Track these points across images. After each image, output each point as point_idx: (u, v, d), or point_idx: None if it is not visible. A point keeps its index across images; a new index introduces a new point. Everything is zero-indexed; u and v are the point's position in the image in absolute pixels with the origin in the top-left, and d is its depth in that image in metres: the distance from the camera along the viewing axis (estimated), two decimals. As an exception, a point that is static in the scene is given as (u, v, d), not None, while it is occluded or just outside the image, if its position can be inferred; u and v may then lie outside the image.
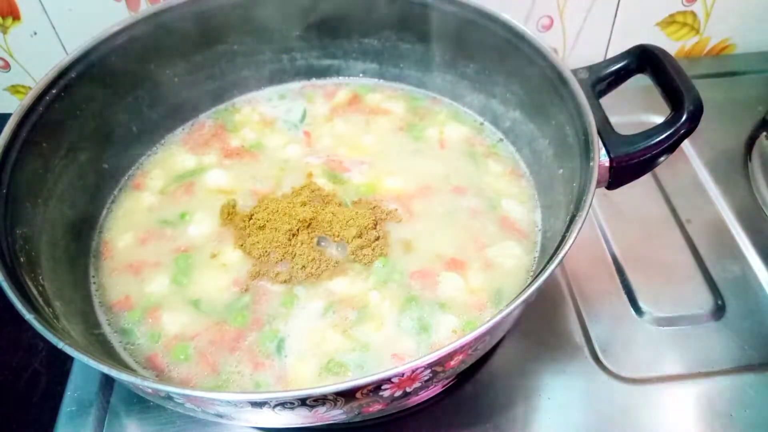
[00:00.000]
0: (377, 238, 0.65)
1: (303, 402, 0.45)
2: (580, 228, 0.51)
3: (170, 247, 0.67)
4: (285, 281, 0.62)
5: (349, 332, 0.59)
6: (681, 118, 0.56)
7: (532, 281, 0.49)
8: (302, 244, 0.64)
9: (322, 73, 0.85)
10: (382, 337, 0.59)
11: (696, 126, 0.57)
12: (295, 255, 0.64)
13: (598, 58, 0.66)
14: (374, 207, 0.68)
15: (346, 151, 0.76)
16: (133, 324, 0.61)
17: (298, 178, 0.73)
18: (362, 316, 0.60)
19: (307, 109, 0.82)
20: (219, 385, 0.57)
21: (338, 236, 0.65)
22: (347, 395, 0.45)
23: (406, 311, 0.60)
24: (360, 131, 0.79)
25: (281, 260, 0.64)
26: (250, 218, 0.67)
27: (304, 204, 0.67)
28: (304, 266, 0.63)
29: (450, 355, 0.46)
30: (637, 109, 0.90)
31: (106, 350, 0.59)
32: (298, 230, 0.65)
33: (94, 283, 0.65)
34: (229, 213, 0.69)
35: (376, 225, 0.66)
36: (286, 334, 0.59)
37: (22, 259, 0.55)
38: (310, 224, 0.66)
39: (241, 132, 0.79)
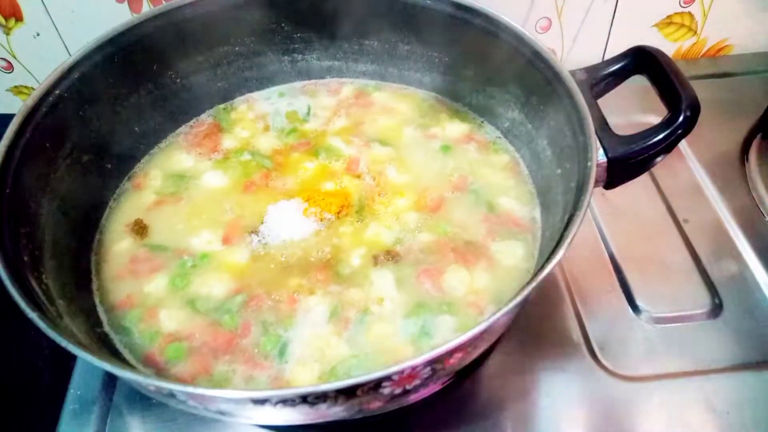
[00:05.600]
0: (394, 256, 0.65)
1: (304, 399, 0.45)
2: (578, 227, 0.51)
3: (171, 251, 0.67)
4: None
5: (353, 339, 0.59)
6: (678, 118, 0.57)
7: (531, 280, 0.49)
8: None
9: (322, 74, 0.85)
10: (384, 342, 0.59)
11: (693, 126, 0.57)
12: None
13: (596, 60, 0.66)
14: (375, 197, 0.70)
15: (347, 149, 0.76)
16: (131, 323, 0.62)
17: (298, 177, 0.74)
18: (365, 321, 0.61)
19: (311, 105, 0.82)
20: (216, 382, 0.57)
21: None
22: (348, 393, 0.45)
23: (411, 316, 0.61)
24: (361, 129, 0.79)
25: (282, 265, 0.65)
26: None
27: (306, 206, 0.68)
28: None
29: (449, 353, 0.46)
30: (634, 110, 0.90)
31: (108, 348, 0.59)
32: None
33: (96, 281, 0.66)
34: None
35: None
36: (288, 339, 0.60)
37: (25, 258, 0.56)
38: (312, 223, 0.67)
39: (241, 131, 0.80)
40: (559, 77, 0.61)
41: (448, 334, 0.59)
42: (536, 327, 0.71)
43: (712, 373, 0.67)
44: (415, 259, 0.65)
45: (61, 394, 0.67)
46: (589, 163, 0.55)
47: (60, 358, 0.71)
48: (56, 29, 0.90)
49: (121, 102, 0.72)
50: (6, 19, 0.89)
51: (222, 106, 0.83)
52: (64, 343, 0.47)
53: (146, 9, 0.90)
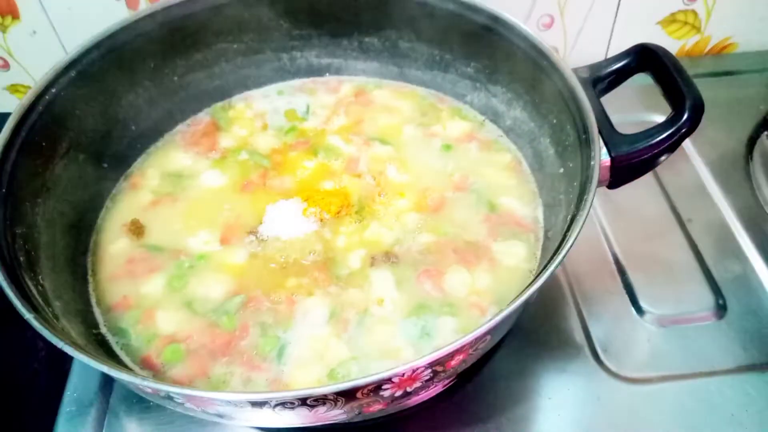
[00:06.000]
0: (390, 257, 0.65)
1: (303, 402, 0.45)
2: (581, 227, 0.51)
3: (168, 252, 0.67)
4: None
5: (353, 341, 0.59)
6: (682, 117, 0.56)
7: (533, 281, 0.49)
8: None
9: (321, 71, 0.84)
10: (384, 343, 0.59)
11: (697, 125, 0.57)
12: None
13: (598, 57, 0.66)
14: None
15: (347, 148, 0.76)
16: (128, 325, 0.61)
17: (297, 176, 0.73)
18: (365, 323, 0.60)
19: (310, 104, 0.82)
20: (214, 384, 0.57)
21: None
22: (348, 395, 0.45)
23: (412, 317, 0.60)
24: (361, 128, 0.78)
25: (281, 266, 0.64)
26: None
27: (305, 206, 0.67)
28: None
29: (450, 355, 0.46)
30: (637, 108, 0.90)
31: (105, 350, 0.59)
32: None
33: (93, 282, 0.65)
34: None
35: None
36: (287, 340, 0.59)
37: (21, 259, 0.55)
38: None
39: (239, 130, 0.79)
40: (562, 75, 0.61)
41: (450, 336, 0.59)
42: (539, 328, 0.70)
43: (716, 375, 0.66)
44: (416, 259, 0.64)
45: (58, 397, 0.66)
46: (592, 162, 0.55)
47: (56, 360, 0.71)
48: (53, 27, 0.90)
49: (117, 100, 0.72)
50: (2, 17, 0.88)
51: (220, 104, 0.82)
52: (60, 344, 0.46)
53: (143, 6, 0.89)
